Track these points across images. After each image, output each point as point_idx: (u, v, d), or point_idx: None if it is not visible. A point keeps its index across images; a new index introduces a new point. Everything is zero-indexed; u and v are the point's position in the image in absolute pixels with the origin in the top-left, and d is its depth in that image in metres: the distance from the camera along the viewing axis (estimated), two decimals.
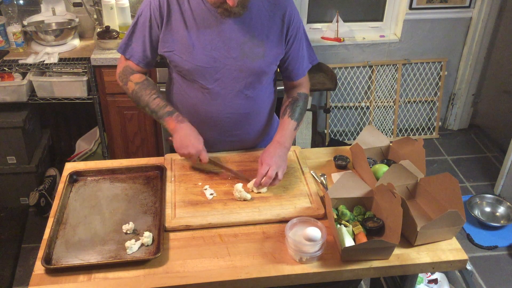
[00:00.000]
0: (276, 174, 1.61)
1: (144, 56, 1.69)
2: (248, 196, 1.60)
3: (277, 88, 1.88)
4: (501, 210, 3.05)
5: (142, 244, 1.43)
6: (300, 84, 1.81)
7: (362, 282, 2.54)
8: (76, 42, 2.83)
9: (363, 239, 1.43)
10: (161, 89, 1.79)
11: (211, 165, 1.73)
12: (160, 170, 1.72)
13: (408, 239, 1.47)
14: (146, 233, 1.44)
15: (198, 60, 1.62)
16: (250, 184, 1.65)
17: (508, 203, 3.04)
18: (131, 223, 1.48)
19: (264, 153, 1.66)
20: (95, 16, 2.83)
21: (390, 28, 3.58)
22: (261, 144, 1.89)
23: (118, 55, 2.59)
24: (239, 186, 1.61)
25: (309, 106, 3.42)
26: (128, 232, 1.47)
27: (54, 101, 2.72)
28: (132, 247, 1.40)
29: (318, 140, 3.56)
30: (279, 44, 1.67)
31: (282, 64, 1.76)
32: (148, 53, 1.68)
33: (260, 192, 1.64)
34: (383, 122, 3.77)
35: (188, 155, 1.63)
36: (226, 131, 1.77)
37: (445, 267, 1.45)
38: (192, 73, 1.65)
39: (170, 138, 1.69)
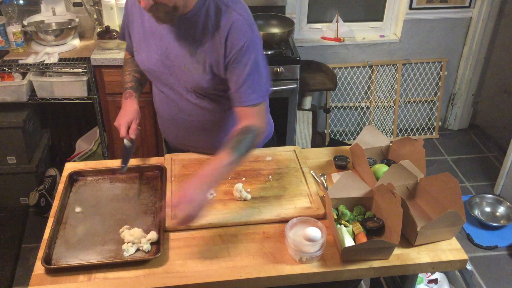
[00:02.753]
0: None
1: (129, 45, 1.79)
2: (248, 196, 1.60)
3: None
4: (501, 210, 3.05)
5: (139, 248, 1.43)
6: (244, 116, 1.55)
7: (362, 282, 2.54)
8: (76, 42, 2.83)
9: (363, 239, 1.43)
10: None
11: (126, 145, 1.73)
12: (160, 170, 1.72)
13: (408, 239, 1.47)
14: (144, 240, 1.43)
15: (149, 63, 1.64)
16: (121, 230, 1.48)
17: (508, 203, 3.04)
18: (126, 230, 1.46)
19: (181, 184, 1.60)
20: (95, 16, 2.83)
21: (390, 28, 3.58)
22: None
23: (118, 55, 2.61)
24: (239, 186, 1.61)
25: (309, 106, 3.42)
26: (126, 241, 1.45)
27: (54, 101, 2.72)
28: (129, 250, 1.40)
29: (318, 140, 3.56)
30: (219, 64, 1.53)
31: (227, 87, 1.60)
32: (130, 45, 1.76)
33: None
34: (383, 122, 3.77)
35: (121, 122, 1.72)
36: (184, 135, 1.78)
37: (445, 267, 1.46)
38: (148, 74, 1.71)
39: None
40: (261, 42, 1.59)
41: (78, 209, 1.57)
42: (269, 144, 1.90)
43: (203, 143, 1.78)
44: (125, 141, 1.71)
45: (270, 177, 1.72)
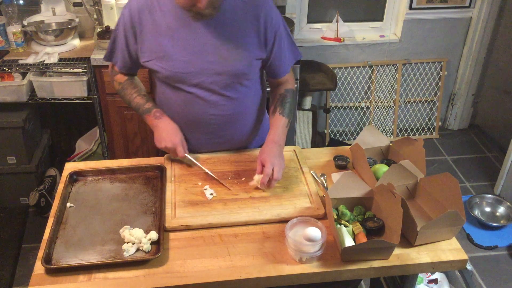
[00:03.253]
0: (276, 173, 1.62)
1: (125, 64, 1.74)
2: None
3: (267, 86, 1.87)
4: (501, 210, 3.05)
5: (139, 248, 1.43)
6: (286, 80, 1.79)
7: (362, 282, 2.54)
8: (76, 42, 2.83)
9: (363, 239, 1.43)
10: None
11: (188, 161, 1.74)
12: (160, 170, 1.72)
13: (408, 239, 1.47)
14: (144, 240, 1.43)
15: (175, 67, 1.62)
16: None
17: (508, 203, 3.04)
18: (127, 230, 1.46)
19: (262, 154, 1.66)
20: (95, 16, 2.83)
21: (390, 28, 3.58)
22: (252, 144, 1.88)
23: None
24: (258, 177, 1.64)
25: (309, 106, 3.42)
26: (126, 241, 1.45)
27: (54, 101, 2.72)
28: (129, 250, 1.40)
29: (318, 140, 3.56)
30: (257, 45, 1.63)
31: (265, 63, 1.73)
32: (129, 62, 1.72)
33: (259, 189, 1.65)
34: (383, 122, 3.77)
35: (166, 149, 1.69)
36: (211, 133, 1.77)
37: (445, 267, 1.46)
38: (171, 79, 1.66)
39: None
40: None
41: (69, 204, 1.58)
42: None
43: (232, 137, 1.80)
44: (187, 156, 1.71)
45: None
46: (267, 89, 1.83)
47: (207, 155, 1.80)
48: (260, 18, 1.60)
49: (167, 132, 1.69)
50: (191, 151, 1.79)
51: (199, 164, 1.72)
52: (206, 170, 1.71)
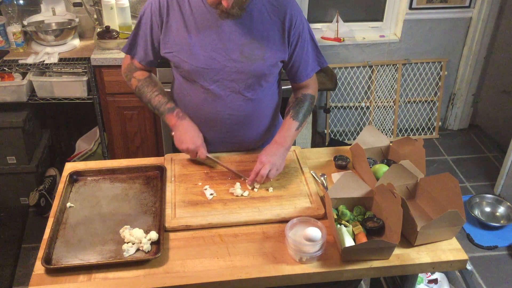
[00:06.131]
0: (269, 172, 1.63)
1: (146, 56, 1.72)
2: (246, 193, 1.63)
3: (283, 88, 1.88)
4: (501, 210, 3.05)
5: (139, 248, 1.43)
6: (306, 85, 1.79)
7: (362, 282, 2.54)
8: (76, 42, 2.83)
9: (363, 239, 1.43)
10: (165, 89, 1.80)
11: (210, 162, 1.75)
12: (160, 170, 1.72)
13: (408, 239, 1.47)
14: (144, 240, 1.42)
15: (197, 61, 1.62)
16: (121, 230, 1.51)
17: (508, 203, 3.04)
18: (127, 230, 1.46)
19: (262, 152, 1.68)
20: (95, 16, 2.83)
21: (390, 28, 3.58)
22: (264, 146, 1.88)
23: (118, 55, 2.61)
24: (238, 185, 1.65)
25: None
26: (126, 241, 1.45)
27: (54, 101, 2.72)
28: (129, 250, 1.40)
29: (318, 140, 3.56)
30: (280, 47, 1.66)
31: (286, 66, 1.74)
32: (150, 53, 1.71)
33: (254, 188, 1.66)
34: (383, 122, 3.77)
35: (187, 150, 1.69)
36: (227, 132, 1.77)
37: (445, 267, 1.46)
38: (192, 74, 1.66)
39: (172, 133, 1.72)
40: None
41: (69, 204, 1.58)
42: None
43: (246, 137, 1.80)
44: (209, 157, 1.73)
45: None
46: (283, 93, 1.86)
47: (212, 154, 1.80)
48: (285, 19, 1.63)
49: (189, 134, 1.69)
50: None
51: (221, 164, 1.74)
52: (230, 168, 1.73)
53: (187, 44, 1.62)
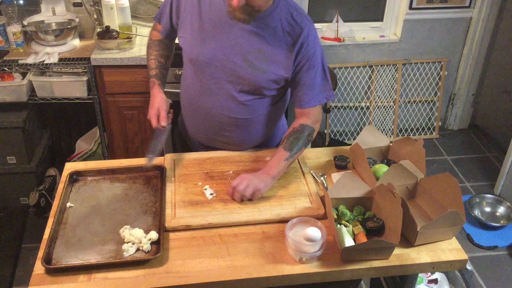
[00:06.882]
0: (251, 192, 1.58)
1: (165, 28, 1.83)
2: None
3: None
4: (501, 210, 3.05)
5: (139, 248, 1.43)
6: (307, 114, 1.71)
7: (362, 282, 2.54)
8: (76, 42, 2.83)
9: (363, 239, 1.43)
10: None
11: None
12: (160, 170, 1.72)
13: (408, 239, 1.47)
14: (144, 240, 1.42)
15: (200, 53, 1.65)
16: (121, 230, 1.50)
17: (508, 203, 3.04)
18: (127, 230, 1.46)
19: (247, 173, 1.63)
20: (95, 16, 2.83)
21: (390, 28, 3.58)
22: (252, 150, 1.87)
23: (118, 55, 2.61)
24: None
25: None
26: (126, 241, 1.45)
27: (54, 101, 2.72)
28: (129, 250, 1.40)
29: (318, 140, 3.56)
30: (285, 65, 1.63)
31: (291, 87, 1.73)
32: (169, 28, 1.81)
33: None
34: (383, 122, 3.77)
35: (151, 113, 1.70)
36: (217, 130, 1.78)
37: (445, 267, 1.46)
38: (194, 64, 1.69)
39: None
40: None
41: (69, 204, 1.58)
42: None
43: (234, 139, 1.80)
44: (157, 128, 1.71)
45: None
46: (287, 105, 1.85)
47: (207, 154, 1.81)
48: (298, 39, 1.60)
49: (150, 104, 1.72)
50: (198, 143, 1.85)
51: (150, 161, 1.72)
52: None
53: (198, 34, 1.64)
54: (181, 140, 1.99)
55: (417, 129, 3.88)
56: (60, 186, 1.65)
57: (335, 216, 1.50)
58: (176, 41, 1.82)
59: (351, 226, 1.48)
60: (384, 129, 3.78)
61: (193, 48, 1.66)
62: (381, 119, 3.75)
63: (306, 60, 1.63)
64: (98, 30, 2.75)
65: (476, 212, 3.02)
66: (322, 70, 1.70)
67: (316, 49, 1.65)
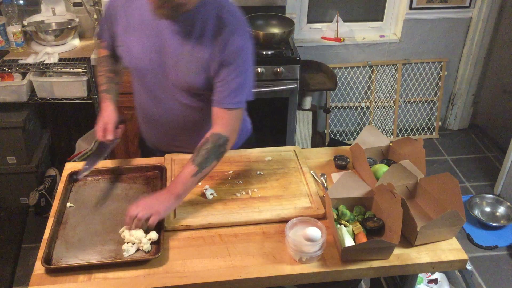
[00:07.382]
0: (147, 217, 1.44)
1: (110, 42, 1.74)
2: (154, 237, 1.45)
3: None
4: (501, 210, 3.05)
5: (139, 248, 1.42)
6: (218, 119, 1.57)
7: (362, 282, 2.54)
8: (76, 42, 2.83)
9: (363, 239, 1.43)
10: None
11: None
12: (160, 170, 1.72)
13: (408, 239, 1.47)
14: (144, 240, 1.42)
15: (136, 60, 1.61)
16: (121, 230, 1.47)
17: (508, 203, 3.04)
18: (127, 230, 1.45)
19: (147, 196, 1.51)
20: (95, 16, 2.83)
21: (390, 28, 3.58)
22: None
23: None
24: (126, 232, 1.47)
25: (309, 106, 3.42)
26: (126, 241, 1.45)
27: (54, 101, 2.72)
28: (129, 250, 1.40)
29: (318, 140, 3.56)
30: (211, 66, 1.55)
31: (213, 86, 1.60)
32: (111, 41, 1.73)
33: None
34: (383, 122, 3.77)
35: (98, 127, 1.65)
36: (169, 135, 1.76)
37: (445, 267, 1.46)
38: (133, 72, 1.67)
39: None
40: (253, 50, 1.60)
41: (69, 204, 1.58)
42: (248, 141, 1.90)
43: (188, 142, 1.73)
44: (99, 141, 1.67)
45: (270, 177, 1.72)
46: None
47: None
48: (222, 39, 1.51)
49: (100, 118, 1.67)
50: (151, 147, 1.85)
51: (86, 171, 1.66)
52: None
53: (128, 40, 1.60)
54: (145, 147, 1.94)
55: (417, 129, 3.89)
56: (60, 186, 1.65)
57: (335, 216, 1.50)
58: None
59: (351, 226, 1.48)
60: (384, 129, 3.78)
61: (130, 55, 1.61)
62: (381, 119, 3.75)
63: (228, 57, 1.52)
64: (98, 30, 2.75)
65: (476, 212, 3.02)
66: (245, 76, 1.57)
67: (243, 53, 1.54)
